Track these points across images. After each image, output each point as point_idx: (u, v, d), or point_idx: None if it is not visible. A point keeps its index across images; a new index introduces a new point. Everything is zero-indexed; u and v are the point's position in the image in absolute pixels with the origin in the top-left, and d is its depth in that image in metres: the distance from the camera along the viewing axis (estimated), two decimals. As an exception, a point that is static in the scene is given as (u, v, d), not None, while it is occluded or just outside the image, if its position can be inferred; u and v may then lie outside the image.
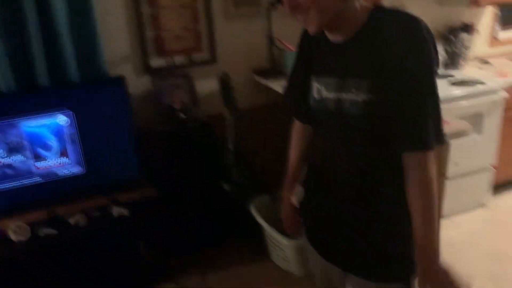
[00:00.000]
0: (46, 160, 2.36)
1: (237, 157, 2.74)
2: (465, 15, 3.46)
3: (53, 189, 2.41)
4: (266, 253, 2.77)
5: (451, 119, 1.97)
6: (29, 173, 2.35)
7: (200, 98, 2.82)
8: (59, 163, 2.39)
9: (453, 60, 3.37)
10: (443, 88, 2.90)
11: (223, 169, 2.77)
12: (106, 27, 2.49)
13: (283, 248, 2.57)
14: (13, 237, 2.23)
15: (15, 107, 2.25)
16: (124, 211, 2.40)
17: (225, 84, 2.57)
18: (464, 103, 2.82)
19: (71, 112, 2.34)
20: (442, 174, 2.11)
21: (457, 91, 2.85)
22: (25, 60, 2.31)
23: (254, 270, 2.70)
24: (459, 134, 1.89)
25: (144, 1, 2.57)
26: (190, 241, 2.83)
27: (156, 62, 2.72)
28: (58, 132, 2.34)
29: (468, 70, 3.36)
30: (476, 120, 2.91)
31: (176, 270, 2.68)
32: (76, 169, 2.43)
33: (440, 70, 3.33)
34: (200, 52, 2.80)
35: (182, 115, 2.68)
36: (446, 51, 3.36)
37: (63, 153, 2.39)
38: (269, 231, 2.60)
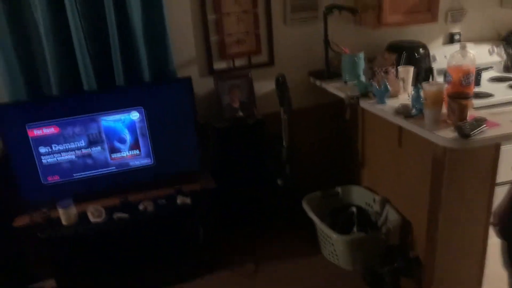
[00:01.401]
0: (120, 152, 2.64)
1: (290, 154, 2.89)
2: (529, 17, 3.39)
3: (126, 178, 2.69)
4: (317, 247, 2.90)
5: (504, 122, 1.99)
6: (106, 163, 2.64)
7: (258, 97, 3.00)
8: (131, 154, 2.67)
9: (514, 63, 3.31)
10: (501, 91, 2.89)
11: (277, 165, 2.93)
12: (176, 33, 2.74)
13: (333, 243, 2.68)
14: (91, 218, 2.53)
15: (95, 104, 2.55)
16: (187, 200, 2.63)
17: (281, 85, 2.73)
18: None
19: (143, 109, 2.60)
20: (489, 179, 2.13)
21: (516, 94, 2.83)
22: (105, 62, 2.61)
23: (305, 263, 2.83)
24: (510, 137, 1.92)
25: (209, 8, 2.80)
26: (245, 230, 3.03)
27: (219, 64, 2.94)
28: (131, 127, 2.62)
29: (530, 73, 3.29)
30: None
31: (231, 257, 2.88)
32: (146, 161, 2.70)
33: (501, 73, 3.29)
34: (259, 55, 2.99)
35: (240, 113, 2.88)
36: (508, 54, 3.31)
37: (135, 146, 2.66)
38: (320, 225, 2.72)
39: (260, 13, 2.90)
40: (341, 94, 2.67)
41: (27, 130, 2.45)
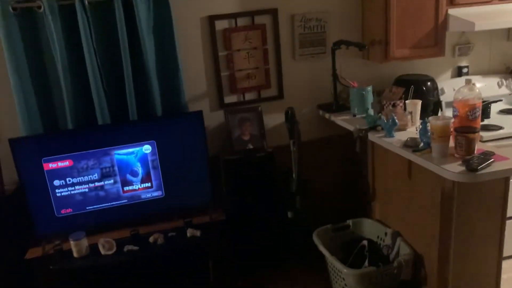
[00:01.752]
0: (132, 184, 2.69)
1: (301, 186, 2.90)
2: (536, 50, 3.42)
3: (137, 210, 2.72)
4: (328, 282, 2.86)
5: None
6: (118, 196, 2.68)
7: (268, 130, 3.05)
8: (143, 187, 2.71)
9: (524, 96, 3.32)
10: (511, 124, 2.89)
11: (287, 197, 2.94)
12: (188, 68, 2.83)
13: (344, 277, 2.65)
14: (102, 251, 2.55)
15: (108, 138, 2.62)
16: (197, 232, 2.64)
17: (290, 118, 2.77)
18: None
19: (155, 142, 2.66)
20: (499, 213, 2.12)
21: (526, 127, 2.82)
22: (119, 98, 2.70)
23: (315, 297, 2.80)
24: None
25: (220, 45, 2.89)
26: (254, 263, 3.01)
27: (229, 98, 3.01)
28: (143, 160, 2.67)
29: (539, 106, 3.29)
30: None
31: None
32: (157, 193, 2.73)
33: (510, 105, 3.30)
34: (269, 88, 3.06)
35: (250, 146, 2.93)
36: (516, 87, 3.33)
37: (147, 179, 2.71)
38: (330, 259, 2.70)
39: (269, 49, 2.99)
40: (350, 127, 2.70)
41: (43, 163, 2.52)
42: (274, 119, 3.10)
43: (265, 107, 3.04)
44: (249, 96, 3.05)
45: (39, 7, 2.46)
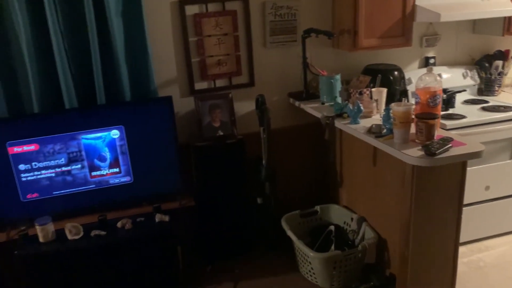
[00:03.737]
0: (100, 170, 2.67)
1: (270, 173, 2.93)
2: (501, 42, 3.52)
3: (105, 196, 2.71)
4: (295, 266, 2.91)
5: (471, 142, 2.07)
6: (85, 181, 2.66)
7: (238, 117, 3.07)
8: (111, 173, 2.70)
9: (488, 87, 3.42)
10: (473, 113, 2.98)
11: (257, 184, 2.97)
12: (157, 54, 2.82)
13: (311, 261, 2.70)
14: (68, 235, 2.53)
15: (76, 122, 2.59)
16: (165, 218, 2.65)
17: (261, 105, 2.79)
18: (496, 128, 2.88)
19: (123, 127, 2.65)
20: (457, 198, 2.20)
21: (488, 116, 2.92)
22: (86, 80, 2.67)
23: (283, 281, 2.84)
24: (474, 155, 1.99)
25: (190, 31, 2.88)
26: (223, 249, 3.04)
27: (200, 84, 3.01)
28: (111, 145, 2.66)
29: (503, 96, 3.40)
30: (509, 145, 2.96)
31: (209, 277, 2.89)
32: (126, 179, 2.72)
33: (474, 96, 3.40)
34: (240, 76, 3.07)
35: (221, 133, 2.94)
36: (481, 78, 3.42)
37: (115, 164, 2.69)
38: (298, 243, 2.75)
39: (240, 36, 2.99)
40: (319, 115, 2.74)
41: (7, 147, 2.48)
42: (244, 106, 3.11)
43: (236, 94, 3.05)
44: (219, 83, 3.05)
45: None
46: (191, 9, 2.85)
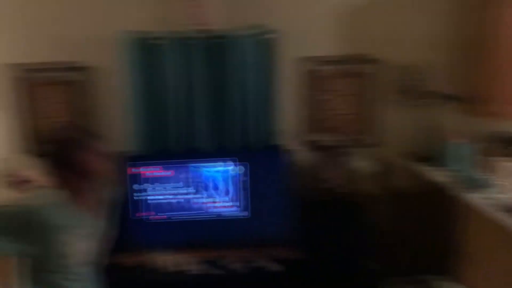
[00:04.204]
0: (216, 200, 2.83)
1: (384, 237, 2.80)
2: None
3: (219, 228, 2.84)
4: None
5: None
6: (202, 210, 2.83)
7: (357, 176, 3.03)
8: (226, 205, 2.84)
9: None
10: None
11: (369, 246, 2.86)
12: (282, 104, 2.96)
13: None
14: (180, 266, 2.65)
15: (202, 157, 2.84)
16: (275, 266, 2.66)
17: (381, 166, 2.74)
18: None
19: (243, 165, 2.80)
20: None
21: None
22: (219, 123, 2.93)
23: None
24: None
25: (317, 86, 3.00)
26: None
27: (319, 138, 3.06)
28: (228, 179, 2.82)
29: None
30: None
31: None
32: (240, 214, 2.84)
33: None
34: (362, 134, 3.07)
35: (337, 190, 2.93)
36: None
37: (231, 197, 2.84)
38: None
39: (366, 95, 3.02)
40: (443, 181, 2.60)
41: (139, 170, 2.76)
42: (365, 164, 3.07)
43: (357, 152, 3.05)
44: (341, 139, 3.07)
45: (160, 42, 2.79)
46: (320, 67, 2.97)
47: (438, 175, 2.71)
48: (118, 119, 2.94)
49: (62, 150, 1.53)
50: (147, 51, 2.81)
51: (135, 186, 2.79)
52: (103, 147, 1.59)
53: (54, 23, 2.82)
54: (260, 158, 2.84)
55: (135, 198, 2.80)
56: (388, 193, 2.72)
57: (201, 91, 2.85)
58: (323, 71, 2.97)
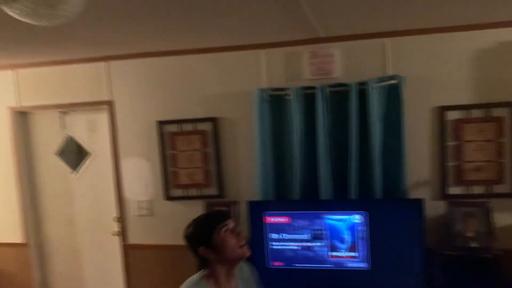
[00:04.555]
0: (339, 251, 2.78)
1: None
2: None
3: (340, 278, 2.77)
4: None
5: None
6: (324, 259, 2.80)
7: (498, 230, 2.73)
8: (348, 255, 2.77)
9: None
10: None
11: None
12: (412, 155, 2.87)
13: None
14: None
15: (325, 205, 2.86)
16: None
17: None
18: None
19: (367, 214, 2.72)
20: None
21: None
22: (342, 174, 2.92)
23: None
24: None
25: (449, 136, 2.86)
26: None
27: (454, 189, 2.88)
28: (352, 228, 2.76)
29: None
30: None
31: None
32: (362, 265, 2.74)
33: None
34: (502, 184, 2.80)
35: (474, 244, 2.65)
36: None
37: (353, 248, 2.76)
38: None
39: (506, 143, 2.79)
40: None
41: (264, 217, 2.87)
42: (506, 218, 2.78)
43: (496, 204, 2.76)
44: (477, 189, 2.85)
45: (287, 95, 2.97)
46: (452, 115, 2.85)
47: None
48: (246, 167, 3.17)
49: (203, 230, 1.67)
50: (275, 103, 3.02)
51: (273, 235, 2.89)
52: (239, 228, 1.71)
53: (197, 83, 3.22)
54: (386, 208, 2.76)
55: (273, 247, 2.88)
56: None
57: (326, 140, 2.91)
58: (459, 119, 2.84)
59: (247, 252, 1.70)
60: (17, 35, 2.29)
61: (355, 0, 2.15)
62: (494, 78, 2.80)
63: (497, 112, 2.79)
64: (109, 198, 3.49)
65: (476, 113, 2.82)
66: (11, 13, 1.42)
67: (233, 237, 1.67)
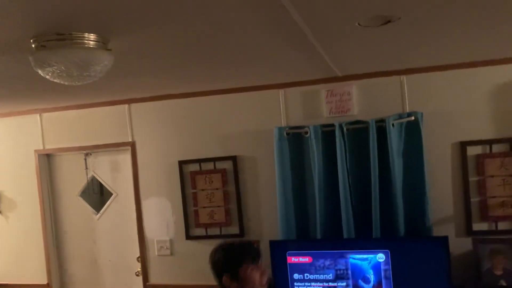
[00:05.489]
0: (361, 290, 2.74)
1: None
2: None
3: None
4: None
5: None
6: (349, 299, 2.75)
7: (526, 268, 2.64)
8: (371, 294, 2.72)
9: None
10: None
11: None
12: (435, 191, 2.84)
13: None
14: None
15: (347, 244, 2.82)
16: None
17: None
18: None
19: (389, 252, 2.68)
20: None
21: None
22: (364, 212, 2.90)
23: None
24: None
25: (472, 171, 2.83)
26: None
27: (479, 225, 2.82)
28: (376, 268, 2.71)
29: None
30: None
31: None
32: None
33: None
34: (530, 220, 2.73)
35: (504, 283, 2.59)
36: None
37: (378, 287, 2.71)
38: None
39: (530, 177, 2.74)
40: None
41: (287, 257, 2.85)
42: (535, 255, 2.68)
43: (524, 241, 2.69)
44: (503, 225, 2.79)
45: (306, 133, 2.99)
46: (473, 150, 2.83)
47: None
48: (266, 206, 3.17)
49: (235, 263, 1.72)
50: (294, 142, 3.04)
51: (296, 276, 2.85)
52: (263, 264, 1.77)
53: (216, 123, 3.28)
54: (410, 247, 2.72)
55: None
56: None
57: (346, 178, 2.89)
58: (481, 154, 2.82)
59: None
60: (44, 85, 2.38)
61: (369, 45, 2.19)
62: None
63: (518, 146, 2.77)
64: (132, 238, 3.51)
65: (498, 148, 2.80)
66: (43, 75, 1.49)
67: (258, 274, 1.71)
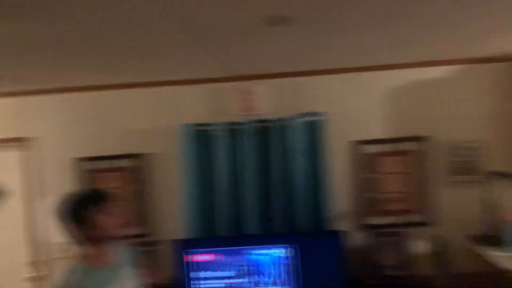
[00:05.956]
0: (265, 286, 2.78)
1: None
2: None
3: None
4: None
5: None
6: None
7: (412, 258, 2.92)
8: (276, 290, 2.79)
9: None
10: None
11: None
12: (334, 188, 2.99)
13: None
14: None
15: (248, 241, 2.85)
16: None
17: (439, 247, 2.63)
18: None
19: (290, 247, 2.77)
20: None
21: None
22: (266, 207, 2.98)
23: None
24: None
25: (368, 168, 3.03)
26: None
27: (372, 220, 3.03)
28: (276, 262, 2.79)
29: None
30: None
31: None
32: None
33: None
34: (415, 214, 3.00)
35: (394, 272, 2.81)
36: None
37: (279, 282, 2.78)
38: None
39: (419, 175, 3.01)
40: (502, 263, 2.43)
41: (186, 256, 2.81)
42: (420, 246, 2.96)
43: (411, 233, 2.96)
44: (393, 220, 3.02)
45: (213, 130, 3.01)
46: (369, 148, 3.03)
47: (497, 256, 2.55)
48: (172, 204, 3.10)
49: (78, 209, 1.66)
50: (201, 139, 3.02)
51: (192, 274, 2.82)
52: (113, 207, 1.71)
53: (121, 119, 3.14)
54: (311, 241, 2.83)
55: (198, 286, 2.82)
56: (445, 275, 2.56)
57: (251, 176, 2.96)
58: (375, 152, 3.02)
59: (119, 231, 1.73)
60: None
61: (273, 45, 2.24)
62: (411, 114, 3.03)
63: (413, 146, 3.00)
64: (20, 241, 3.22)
65: (394, 147, 3.02)
66: None
67: (105, 216, 1.67)
